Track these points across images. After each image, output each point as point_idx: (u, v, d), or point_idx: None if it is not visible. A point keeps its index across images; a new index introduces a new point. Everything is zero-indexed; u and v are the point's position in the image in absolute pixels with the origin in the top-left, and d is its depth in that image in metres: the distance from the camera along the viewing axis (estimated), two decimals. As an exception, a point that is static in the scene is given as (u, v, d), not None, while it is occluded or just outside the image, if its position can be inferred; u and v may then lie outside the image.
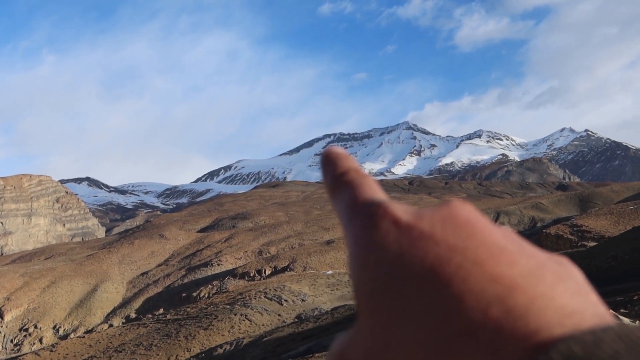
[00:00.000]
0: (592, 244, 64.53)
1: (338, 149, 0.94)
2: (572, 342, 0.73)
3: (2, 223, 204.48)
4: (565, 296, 0.76)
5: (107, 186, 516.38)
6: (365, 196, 0.80)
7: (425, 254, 0.73)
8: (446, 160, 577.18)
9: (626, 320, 8.43)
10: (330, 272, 72.55)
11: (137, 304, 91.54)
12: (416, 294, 0.73)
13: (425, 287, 0.72)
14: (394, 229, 0.75)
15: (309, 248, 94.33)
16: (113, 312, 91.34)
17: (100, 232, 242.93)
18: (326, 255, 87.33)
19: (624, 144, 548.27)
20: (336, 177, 0.87)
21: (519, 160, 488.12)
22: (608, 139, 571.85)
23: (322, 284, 64.15)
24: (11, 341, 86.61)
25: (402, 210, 0.81)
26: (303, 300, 59.15)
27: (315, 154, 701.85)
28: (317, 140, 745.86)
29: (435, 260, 0.73)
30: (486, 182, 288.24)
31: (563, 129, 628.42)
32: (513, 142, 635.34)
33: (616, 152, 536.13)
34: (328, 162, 0.90)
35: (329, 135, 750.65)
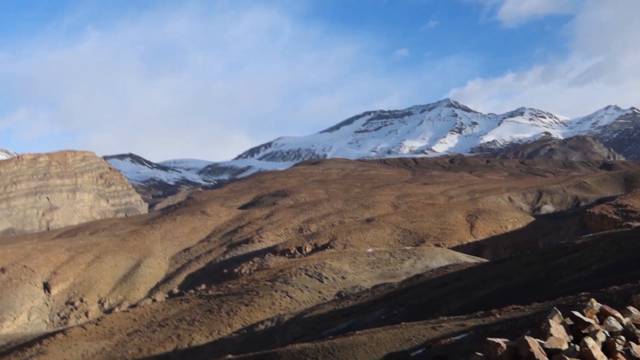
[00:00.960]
0: (637, 224, 63.63)
1: None
2: None
3: (48, 198, 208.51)
4: None
5: (149, 162, 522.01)
6: None
7: None
8: (488, 138, 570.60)
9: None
10: (370, 249, 72.74)
11: (180, 279, 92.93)
12: None
13: None
14: None
15: (349, 226, 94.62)
16: (156, 287, 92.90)
17: (143, 208, 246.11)
18: (366, 233, 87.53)
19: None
20: None
21: (562, 138, 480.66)
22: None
23: (362, 262, 64.38)
24: (58, 314, 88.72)
25: None
26: (343, 277, 59.48)
27: (355, 131, 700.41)
28: (357, 117, 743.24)
29: None
30: (528, 160, 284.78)
31: (608, 107, 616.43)
32: (556, 120, 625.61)
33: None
34: None
35: (369, 113, 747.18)
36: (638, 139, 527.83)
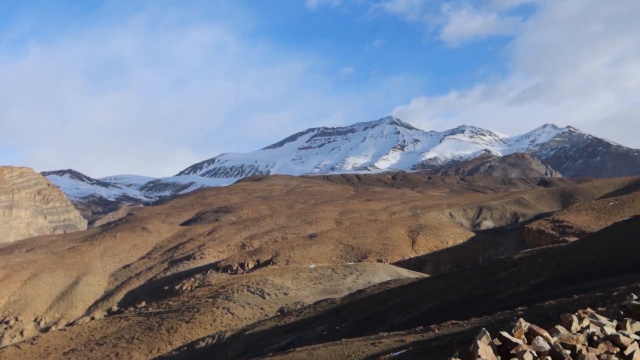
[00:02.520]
0: (574, 239, 65.08)
1: None
2: None
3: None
4: None
5: (89, 179, 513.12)
6: None
7: None
8: (429, 155, 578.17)
9: (603, 319, 8.51)
10: (313, 265, 72.69)
11: (119, 297, 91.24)
12: None
13: None
14: None
15: (292, 242, 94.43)
16: (95, 305, 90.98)
17: (82, 225, 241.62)
18: (309, 249, 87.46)
19: (606, 140, 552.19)
20: None
21: (501, 155, 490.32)
22: (590, 135, 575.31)
23: (305, 278, 64.28)
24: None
25: None
26: (285, 294, 59.26)
27: (299, 148, 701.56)
28: (301, 134, 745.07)
29: None
30: (469, 177, 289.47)
31: (545, 125, 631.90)
32: (496, 138, 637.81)
33: (598, 148, 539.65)
34: None
35: (312, 130, 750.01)
36: (574, 157, 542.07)
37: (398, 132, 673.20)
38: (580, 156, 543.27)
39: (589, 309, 8.85)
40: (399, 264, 77.62)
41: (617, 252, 39.71)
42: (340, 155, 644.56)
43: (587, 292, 25.24)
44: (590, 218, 78.01)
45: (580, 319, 8.26)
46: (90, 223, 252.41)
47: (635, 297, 9.66)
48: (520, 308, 24.61)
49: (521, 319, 8.03)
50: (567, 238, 69.01)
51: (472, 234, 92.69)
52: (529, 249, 56.86)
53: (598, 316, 8.48)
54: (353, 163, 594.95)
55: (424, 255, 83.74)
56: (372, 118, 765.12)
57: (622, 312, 8.92)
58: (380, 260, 79.03)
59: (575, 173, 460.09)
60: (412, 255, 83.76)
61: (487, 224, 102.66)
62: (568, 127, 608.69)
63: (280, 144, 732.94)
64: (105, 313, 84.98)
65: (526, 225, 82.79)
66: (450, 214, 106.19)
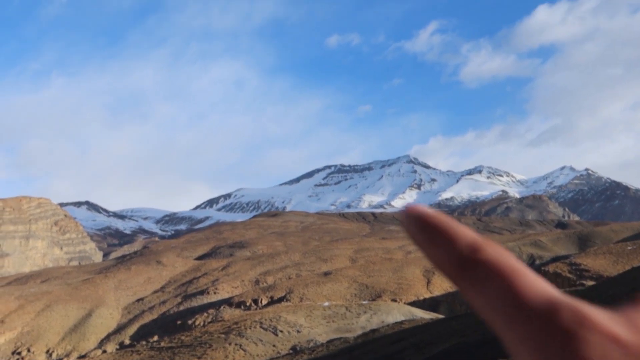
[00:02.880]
0: (591, 283, 64.30)
1: (431, 211, 0.72)
2: None
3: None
4: None
5: (106, 211, 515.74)
6: (535, 291, 0.63)
7: None
8: (446, 194, 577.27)
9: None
10: (327, 303, 72.16)
11: (132, 330, 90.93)
12: None
13: None
14: (615, 351, 0.59)
15: (306, 279, 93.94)
16: (107, 338, 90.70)
17: (98, 257, 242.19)
18: (323, 286, 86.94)
19: (624, 183, 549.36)
20: (465, 255, 0.68)
21: (518, 197, 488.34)
22: (608, 178, 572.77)
23: (319, 316, 63.76)
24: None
25: (611, 321, 0.61)
26: (298, 331, 58.77)
27: (316, 185, 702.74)
28: (318, 171, 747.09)
29: None
30: (485, 217, 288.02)
31: (563, 167, 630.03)
32: (513, 179, 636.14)
33: (616, 191, 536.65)
34: (434, 231, 0.70)
35: (329, 167, 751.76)
36: (592, 199, 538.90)
37: (415, 171, 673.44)
38: (598, 199, 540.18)
39: None
40: (414, 304, 76.92)
41: (634, 297, 39.13)
42: (356, 193, 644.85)
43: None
44: (608, 262, 77.14)
45: None
46: (106, 255, 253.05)
47: None
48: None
49: None
50: (584, 282, 68.21)
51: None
52: (546, 292, 56.01)
53: None
54: (369, 201, 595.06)
55: (439, 295, 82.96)
56: (389, 156, 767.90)
57: None
58: (394, 300, 78.37)
59: (593, 216, 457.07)
60: (427, 295, 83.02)
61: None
62: (586, 169, 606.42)
63: (297, 180, 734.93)
64: (117, 346, 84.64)
65: (543, 268, 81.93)
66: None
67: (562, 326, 0.67)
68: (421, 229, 0.80)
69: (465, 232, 0.78)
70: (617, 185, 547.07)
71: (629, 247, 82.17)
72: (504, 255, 0.77)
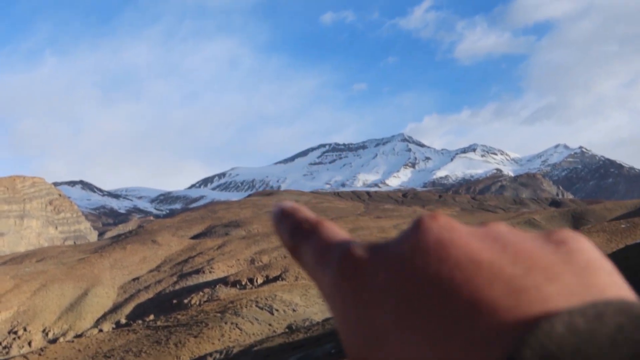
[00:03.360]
0: (584, 261, 64.63)
1: (289, 203, 0.88)
2: (574, 314, 0.71)
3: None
4: (563, 280, 0.72)
5: (100, 190, 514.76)
6: (333, 239, 0.75)
7: (392, 285, 0.70)
8: (440, 173, 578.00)
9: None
10: (322, 282, 72.41)
11: (128, 309, 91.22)
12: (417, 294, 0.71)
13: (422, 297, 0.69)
14: (363, 264, 0.69)
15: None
16: (103, 317, 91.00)
17: (93, 236, 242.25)
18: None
19: (618, 162, 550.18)
20: (297, 227, 0.83)
21: (513, 175, 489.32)
22: (602, 156, 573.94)
23: (314, 295, 64.03)
24: (0, 343, 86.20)
25: (363, 247, 0.72)
26: (294, 310, 59.09)
27: (310, 164, 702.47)
28: (312, 149, 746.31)
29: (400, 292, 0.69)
30: (480, 196, 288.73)
31: (557, 145, 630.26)
32: (507, 157, 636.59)
33: (610, 169, 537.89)
34: (284, 216, 0.85)
35: (324, 145, 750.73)
36: (586, 178, 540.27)
37: (409, 150, 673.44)
38: (592, 177, 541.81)
39: None
40: (409, 282, 77.22)
41: (629, 276, 39.34)
42: (351, 172, 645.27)
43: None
44: (602, 240, 77.47)
45: None
46: (101, 234, 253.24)
47: None
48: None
49: None
50: (578, 260, 68.59)
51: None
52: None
53: None
54: (364, 180, 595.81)
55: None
56: (384, 134, 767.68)
57: None
58: (389, 278, 78.63)
59: (586, 194, 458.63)
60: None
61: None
62: (580, 147, 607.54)
63: (292, 159, 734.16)
64: (114, 325, 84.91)
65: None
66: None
67: (337, 258, 0.72)
68: (277, 220, 0.93)
69: (306, 213, 0.90)
70: (611, 163, 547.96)
71: (623, 225, 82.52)
72: (321, 223, 0.89)
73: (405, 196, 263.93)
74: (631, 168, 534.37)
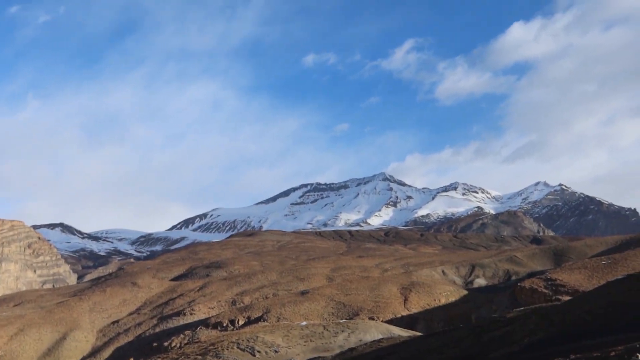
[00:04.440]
0: (567, 298, 64.64)
1: None
2: None
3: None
4: None
5: (80, 232, 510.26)
6: None
7: None
8: (422, 211, 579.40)
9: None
10: (304, 323, 71.85)
11: (107, 353, 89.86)
12: None
13: None
14: None
15: (283, 298, 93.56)
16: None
17: (72, 279, 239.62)
18: (300, 305, 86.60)
19: (597, 198, 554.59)
20: None
21: (494, 213, 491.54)
22: (582, 193, 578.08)
23: (296, 335, 63.43)
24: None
25: None
26: (276, 351, 58.40)
27: (292, 204, 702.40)
28: (294, 189, 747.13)
29: None
30: (461, 234, 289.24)
31: (538, 183, 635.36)
32: (488, 195, 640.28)
33: (589, 206, 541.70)
34: None
35: (305, 185, 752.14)
36: (566, 215, 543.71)
37: (391, 189, 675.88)
38: (572, 214, 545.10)
39: None
40: (391, 321, 76.84)
41: (610, 312, 39.39)
42: (332, 211, 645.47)
43: (583, 352, 24.91)
44: (583, 277, 77.69)
45: None
46: (80, 277, 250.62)
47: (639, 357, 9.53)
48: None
49: None
50: (560, 297, 68.60)
51: (465, 292, 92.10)
52: (522, 308, 56.46)
53: None
54: (345, 219, 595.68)
55: (416, 313, 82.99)
56: (367, 174, 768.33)
57: None
58: (372, 318, 78.24)
59: (567, 231, 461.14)
60: (405, 313, 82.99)
61: (480, 282, 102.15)
62: (560, 185, 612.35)
63: (273, 199, 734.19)
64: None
65: (519, 284, 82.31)
66: (443, 272, 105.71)
67: None
68: None
69: None
70: (591, 200, 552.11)
71: (604, 262, 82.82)
72: None
73: (387, 235, 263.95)
74: (610, 205, 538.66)
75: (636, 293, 43.18)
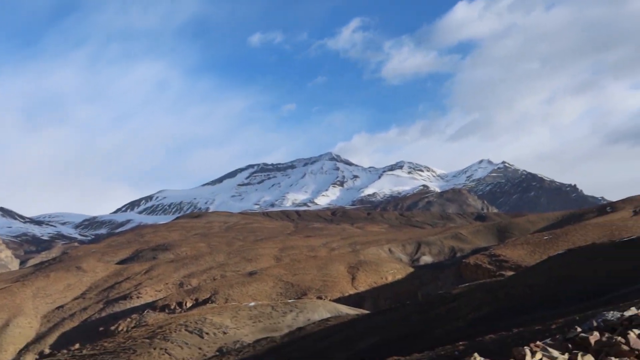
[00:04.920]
0: (510, 273, 65.98)
1: None
2: None
3: None
4: None
5: (22, 217, 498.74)
6: None
7: None
8: (368, 191, 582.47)
9: (555, 353, 8.46)
10: (252, 303, 71.83)
11: (52, 339, 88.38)
12: None
13: None
14: None
15: (231, 279, 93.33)
16: (26, 348, 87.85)
17: (14, 265, 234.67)
18: (248, 286, 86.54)
19: (540, 175, 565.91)
20: None
21: (439, 191, 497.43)
22: (524, 170, 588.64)
23: (244, 316, 63.42)
24: None
25: None
26: (224, 332, 58.31)
27: (239, 185, 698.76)
28: (241, 170, 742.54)
29: None
30: (408, 212, 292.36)
31: (481, 161, 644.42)
32: (434, 174, 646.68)
33: (532, 183, 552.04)
34: None
35: (252, 166, 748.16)
36: (509, 192, 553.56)
37: (337, 168, 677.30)
38: (515, 191, 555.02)
39: (539, 342, 8.84)
40: (339, 300, 77.38)
41: (552, 286, 40.33)
42: (280, 192, 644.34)
43: (526, 326, 25.44)
44: (526, 252, 79.36)
45: (533, 353, 8.25)
46: (23, 263, 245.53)
47: (579, 329, 9.66)
48: (460, 343, 24.62)
49: (476, 354, 8.01)
50: (503, 272, 69.96)
51: (411, 270, 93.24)
52: (467, 284, 57.43)
53: (550, 349, 8.47)
54: (293, 199, 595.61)
55: (364, 291, 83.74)
56: (314, 154, 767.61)
57: (570, 345, 8.87)
58: (320, 297, 78.67)
59: (510, 208, 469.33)
60: (352, 291, 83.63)
61: (426, 259, 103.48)
62: (503, 162, 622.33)
63: (220, 180, 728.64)
64: (37, 356, 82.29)
65: (464, 260, 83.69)
66: (390, 250, 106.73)
67: None
68: None
69: None
70: (533, 177, 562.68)
71: (545, 237, 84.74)
72: None
73: (334, 214, 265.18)
74: (552, 181, 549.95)
75: (576, 267, 44.30)
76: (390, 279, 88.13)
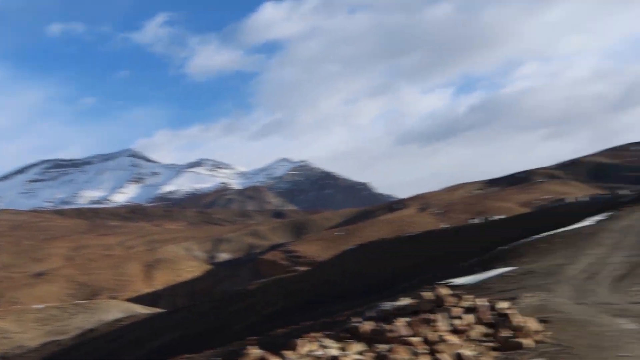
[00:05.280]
0: (305, 268, 67.68)
1: None
2: None
3: None
4: None
5: None
6: None
7: None
8: (168, 188, 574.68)
9: (328, 342, 8.70)
10: (41, 306, 68.11)
11: None
12: None
13: None
14: None
15: (17, 281, 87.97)
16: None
17: None
18: (36, 288, 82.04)
19: (334, 174, 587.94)
20: None
21: (239, 188, 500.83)
22: (320, 169, 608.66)
23: (30, 319, 59.99)
24: None
25: None
26: (6, 337, 54.80)
27: (29, 180, 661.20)
28: (32, 166, 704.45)
29: None
30: (208, 210, 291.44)
31: (281, 159, 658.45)
32: (235, 171, 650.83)
33: (327, 181, 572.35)
34: None
35: (45, 161, 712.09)
36: (307, 189, 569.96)
37: (136, 165, 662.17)
38: (312, 189, 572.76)
39: (312, 334, 9.09)
40: (134, 299, 75.51)
41: (344, 279, 41.81)
42: (74, 188, 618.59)
43: (317, 319, 26.09)
44: (321, 248, 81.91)
45: (307, 343, 8.48)
46: None
47: (354, 320, 10.15)
48: (252, 338, 24.78)
49: (249, 347, 8.12)
50: (298, 267, 71.69)
51: (209, 267, 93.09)
52: (264, 280, 58.21)
53: (323, 339, 8.78)
54: (88, 196, 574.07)
55: (160, 290, 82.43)
56: (115, 150, 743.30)
57: (341, 335, 9.26)
58: (113, 297, 76.35)
59: (309, 205, 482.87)
60: (148, 290, 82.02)
61: (224, 256, 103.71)
62: (302, 161, 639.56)
63: (7, 176, 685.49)
64: None
65: (260, 257, 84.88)
66: (187, 247, 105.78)
67: None
68: None
69: None
70: (328, 175, 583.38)
71: (337, 233, 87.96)
72: None
73: (132, 212, 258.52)
74: (346, 179, 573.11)
75: (366, 262, 46.31)
76: (187, 276, 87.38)
